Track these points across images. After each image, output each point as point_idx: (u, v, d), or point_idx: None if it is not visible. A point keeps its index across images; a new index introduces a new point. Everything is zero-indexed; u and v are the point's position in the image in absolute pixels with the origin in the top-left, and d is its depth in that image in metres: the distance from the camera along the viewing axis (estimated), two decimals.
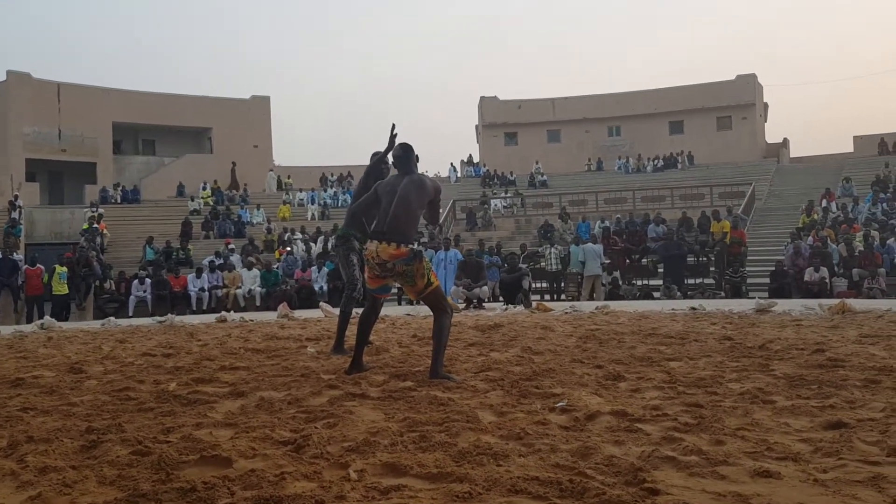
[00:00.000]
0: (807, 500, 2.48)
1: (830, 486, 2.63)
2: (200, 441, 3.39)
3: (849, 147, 36.79)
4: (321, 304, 13.87)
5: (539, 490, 2.62)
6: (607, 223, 22.46)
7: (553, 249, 18.57)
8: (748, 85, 38.75)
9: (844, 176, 27.06)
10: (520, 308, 12.69)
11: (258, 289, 17.84)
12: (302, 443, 3.29)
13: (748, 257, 18.33)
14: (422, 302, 5.58)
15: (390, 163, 6.26)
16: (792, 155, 38.53)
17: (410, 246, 5.15)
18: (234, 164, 34.30)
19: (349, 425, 3.67)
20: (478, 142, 43.30)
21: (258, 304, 17.50)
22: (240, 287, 17.96)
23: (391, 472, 2.89)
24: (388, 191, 5.43)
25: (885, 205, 21.78)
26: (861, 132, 37.23)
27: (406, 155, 5.51)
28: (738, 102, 38.58)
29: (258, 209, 28.32)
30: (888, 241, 17.06)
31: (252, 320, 11.91)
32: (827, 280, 15.61)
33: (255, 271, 18.26)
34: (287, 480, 2.77)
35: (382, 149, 6.69)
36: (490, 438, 3.37)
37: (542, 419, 3.75)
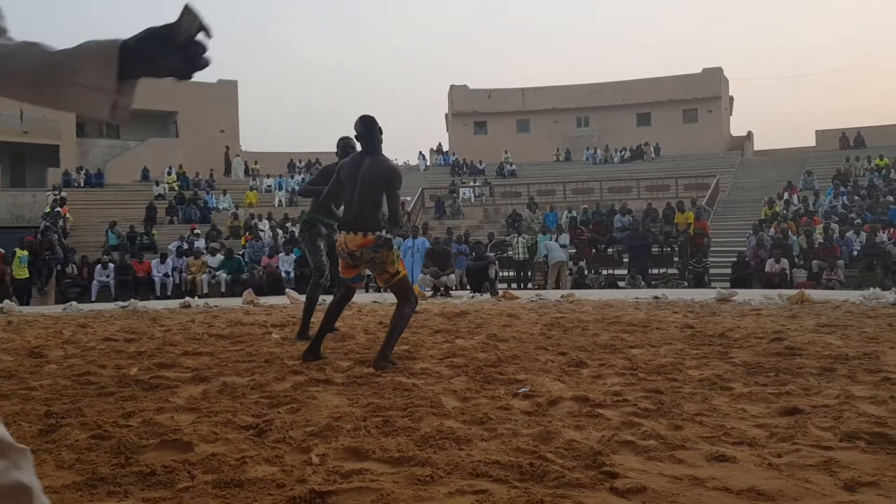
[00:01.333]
0: (761, 483, 2.53)
1: (784, 471, 2.69)
2: (161, 425, 3.37)
3: (811, 141, 37.42)
4: (287, 290, 13.80)
5: (500, 473, 2.64)
6: (574, 213, 22.62)
7: (521, 239, 18.66)
8: (714, 78, 39.17)
9: (806, 169, 27.55)
10: (486, 296, 12.75)
11: (223, 275, 17.68)
12: (264, 427, 3.28)
13: (711, 248, 18.62)
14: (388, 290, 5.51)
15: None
16: (756, 148, 39.09)
17: (378, 233, 5.08)
18: (227, 147, 34.10)
19: (312, 410, 3.67)
20: (447, 130, 43.24)
21: (223, 290, 17.35)
22: (204, 273, 17.79)
23: (353, 457, 2.89)
24: (349, 177, 5.24)
25: (845, 198, 22.22)
26: (823, 127, 37.95)
27: (368, 130, 5.19)
28: (704, 95, 38.97)
29: (224, 195, 28.01)
30: (847, 234, 17.42)
31: (216, 306, 11.81)
32: (787, 271, 15.90)
33: (219, 257, 18.10)
34: (248, 464, 2.76)
35: (348, 134, 6.45)
36: (453, 423, 3.39)
37: (505, 404, 3.78)
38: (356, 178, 5.18)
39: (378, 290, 17.24)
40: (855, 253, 16.59)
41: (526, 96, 41.45)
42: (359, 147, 5.40)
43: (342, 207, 5.49)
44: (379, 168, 5.14)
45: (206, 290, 17.25)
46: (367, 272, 5.62)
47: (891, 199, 21.21)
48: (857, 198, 22.05)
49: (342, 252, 5.21)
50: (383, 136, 5.34)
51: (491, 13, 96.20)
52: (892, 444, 2.97)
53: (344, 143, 6.66)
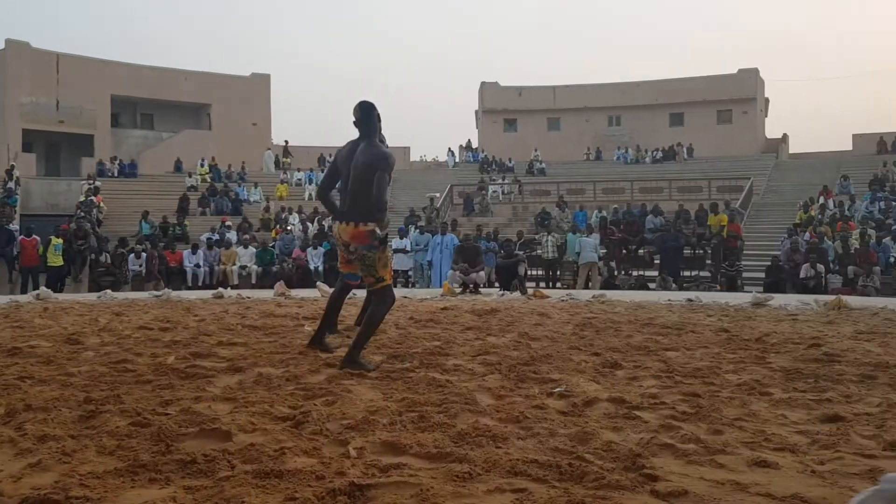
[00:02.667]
0: (804, 490, 2.50)
1: (827, 478, 2.65)
2: (200, 414, 3.40)
3: (847, 145, 36.76)
4: (318, 283, 13.85)
5: (539, 472, 2.63)
6: (604, 213, 22.46)
7: (550, 237, 18.56)
8: (750, 79, 38.65)
9: (842, 174, 27.08)
10: (516, 294, 12.71)
11: (254, 266, 17.83)
12: (301, 419, 3.30)
13: (744, 251, 18.37)
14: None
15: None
16: (791, 151, 38.52)
17: (371, 225, 4.86)
18: (286, 141, 35.06)
19: (348, 403, 3.68)
20: (477, 127, 43.16)
21: (254, 282, 17.49)
22: (235, 264, 17.94)
23: (390, 451, 2.90)
24: (344, 165, 5.08)
25: (882, 203, 21.81)
26: (860, 130, 37.26)
27: (365, 116, 5.05)
28: (739, 96, 38.49)
29: (255, 187, 28.23)
30: (884, 240, 17.10)
31: (249, 297, 11.90)
32: (822, 276, 15.65)
33: (252, 249, 18.25)
34: (287, 455, 2.78)
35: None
36: (489, 421, 3.37)
37: (540, 403, 3.76)
38: (349, 166, 5.03)
39: (412, 285, 17.28)
40: (892, 259, 16.28)
41: (557, 94, 41.24)
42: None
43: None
44: (369, 153, 4.95)
45: (236, 282, 17.40)
46: None
47: None
48: (894, 203, 21.62)
49: (339, 244, 5.11)
50: (381, 124, 5.21)
51: (523, 9, 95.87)
52: None
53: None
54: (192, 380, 4.37)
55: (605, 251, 18.24)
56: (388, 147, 5.29)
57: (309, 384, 4.21)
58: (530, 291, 12.79)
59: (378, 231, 4.87)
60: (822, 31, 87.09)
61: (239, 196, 26.79)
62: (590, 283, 16.77)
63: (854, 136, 36.71)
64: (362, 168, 4.91)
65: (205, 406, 3.60)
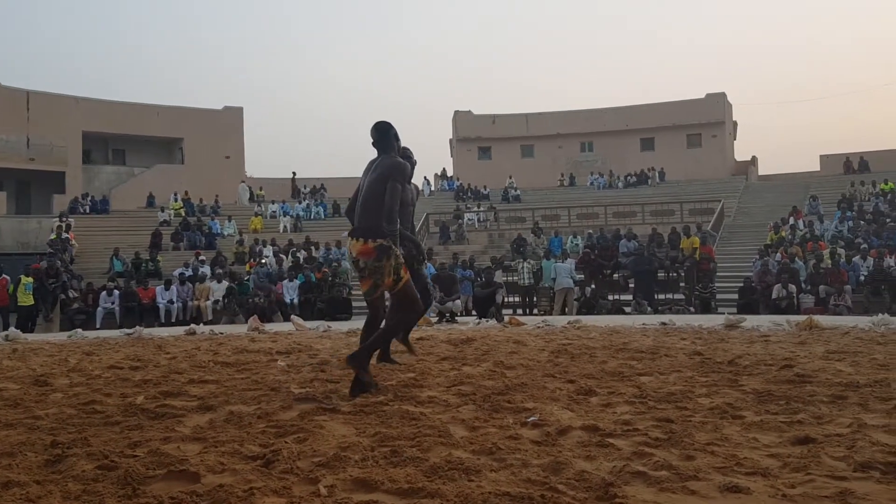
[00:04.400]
0: None
1: (798, 502, 2.65)
2: (168, 455, 3.34)
3: (815, 166, 37.46)
4: (293, 317, 13.77)
5: None
6: (579, 239, 22.61)
7: (525, 264, 18.63)
8: (718, 103, 39.35)
9: (811, 194, 27.54)
10: (492, 322, 12.70)
11: (227, 301, 17.67)
12: (271, 458, 3.25)
13: (717, 273, 18.55)
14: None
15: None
16: (760, 173, 39.14)
17: (379, 241, 4.83)
18: (294, 173, 34.97)
19: (319, 440, 3.64)
20: (452, 156, 43.43)
21: (227, 316, 17.33)
22: (209, 299, 17.78)
23: (362, 488, 2.86)
24: (362, 180, 5.07)
25: (850, 223, 22.19)
26: (827, 151, 38.00)
27: (381, 136, 5.10)
28: (707, 120, 39.16)
29: (229, 221, 28.09)
30: (854, 259, 17.36)
31: (222, 333, 11.78)
32: (794, 296, 15.83)
33: (226, 283, 18.11)
34: (256, 496, 2.73)
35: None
36: (462, 453, 3.35)
37: (513, 434, 3.74)
38: (362, 183, 5.03)
39: None
40: (862, 278, 16.53)
41: (530, 121, 41.68)
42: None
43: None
44: (384, 165, 4.95)
45: (210, 317, 17.23)
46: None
47: None
48: (862, 222, 22.01)
49: (353, 262, 5.05)
50: (400, 143, 5.24)
51: (494, 39, 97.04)
52: None
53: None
54: (161, 420, 4.30)
55: (580, 277, 18.32)
56: (413, 161, 5.30)
57: (281, 421, 4.16)
58: (506, 319, 12.80)
59: (385, 243, 4.83)
60: (787, 55, 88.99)
61: (212, 230, 26.65)
62: (566, 309, 16.82)
63: (821, 156, 37.46)
64: (375, 180, 4.91)
65: (174, 447, 3.54)
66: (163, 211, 28.99)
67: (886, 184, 26.63)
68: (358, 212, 4.97)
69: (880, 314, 11.33)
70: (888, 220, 21.65)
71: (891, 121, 72.10)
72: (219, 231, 27.03)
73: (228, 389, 5.40)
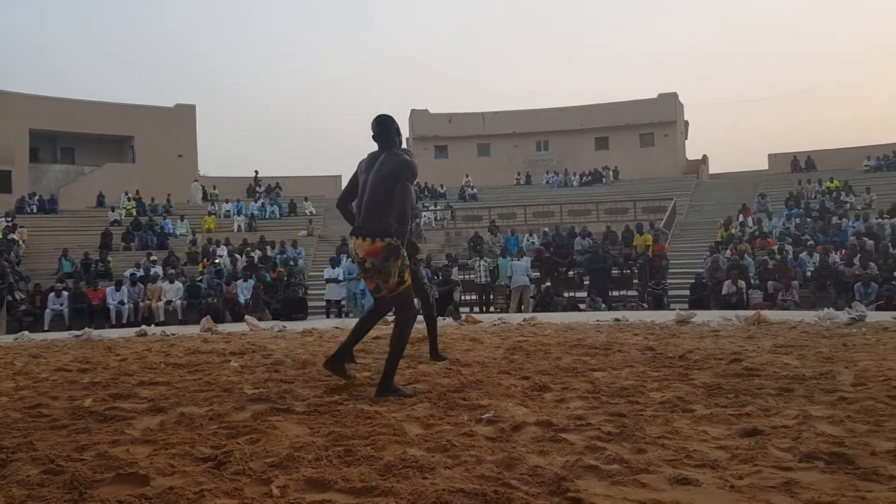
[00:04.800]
0: None
1: (746, 493, 2.71)
2: (116, 459, 3.28)
3: (764, 165, 38.32)
4: (246, 317, 13.61)
5: (464, 502, 2.62)
6: (535, 237, 22.78)
7: (482, 262, 18.70)
8: (669, 103, 39.99)
9: (760, 192, 28.16)
10: (449, 320, 12.72)
11: (180, 301, 17.40)
12: (223, 459, 3.21)
13: (669, 270, 18.86)
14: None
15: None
16: (711, 171, 39.89)
17: (387, 240, 4.70)
18: (256, 171, 34.58)
19: (273, 440, 3.60)
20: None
21: (180, 317, 17.07)
22: (161, 300, 17.48)
23: (315, 488, 2.84)
24: (364, 176, 4.94)
25: (797, 220, 22.75)
26: (775, 151, 38.87)
27: (382, 130, 4.98)
28: (660, 120, 39.77)
29: (182, 220, 27.65)
30: (801, 255, 17.80)
31: (174, 334, 11.59)
32: (744, 292, 16.17)
33: (178, 284, 17.82)
34: (207, 498, 2.70)
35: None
36: (416, 451, 3.35)
37: (468, 431, 3.75)
38: (367, 177, 4.91)
39: (346, 315, 17.12)
40: (808, 274, 16.96)
41: (486, 120, 41.84)
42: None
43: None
44: (392, 162, 4.83)
45: (162, 318, 16.95)
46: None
47: (842, 220, 21.75)
48: (809, 220, 22.58)
49: (356, 260, 4.94)
50: (401, 138, 5.16)
51: (450, 38, 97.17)
52: (850, 464, 3.02)
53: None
54: (110, 423, 4.22)
55: (536, 275, 18.46)
56: (411, 157, 5.19)
57: (233, 422, 4.11)
58: (463, 317, 12.82)
59: (393, 242, 4.73)
60: (736, 56, 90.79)
61: (164, 229, 26.20)
62: (522, 306, 16.93)
63: (770, 155, 38.32)
64: (383, 178, 4.79)
65: (122, 450, 3.48)
66: (113, 210, 28.41)
67: (832, 182, 27.37)
68: (363, 210, 4.83)
69: (826, 309, 11.64)
70: (833, 218, 22.25)
71: (836, 121, 74.16)
72: (171, 231, 26.60)
73: (180, 391, 5.32)
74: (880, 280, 15.16)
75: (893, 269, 15.64)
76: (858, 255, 16.61)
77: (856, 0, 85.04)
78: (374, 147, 5.13)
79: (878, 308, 13.13)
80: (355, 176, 5.15)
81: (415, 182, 5.04)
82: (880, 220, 20.68)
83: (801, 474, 2.91)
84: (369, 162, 5.00)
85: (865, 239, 18.32)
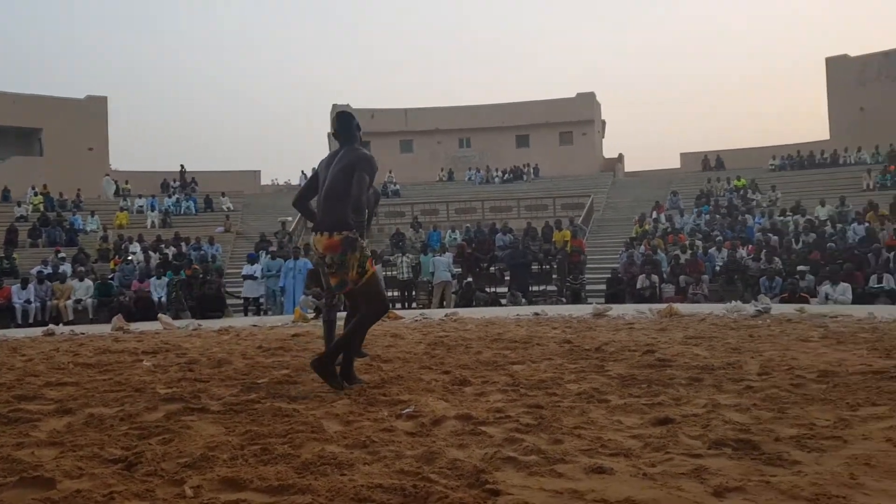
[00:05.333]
0: (636, 493, 2.61)
1: (658, 480, 2.79)
2: (21, 462, 3.13)
3: (676, 163, 39.58)
4: (160, 315, 13.22)
5: (383, 497, 2.61)
6: (457, 233, 22.91)
7: (404, 258, 18.69)
8: (588, 102, 40.82)
9: (672, 189, 29.05)
10: None
11: (90, 300, 16.76)
12: (134, 460, 3.11)
13: (587, 265, 19.27)
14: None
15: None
16: (626, 169, 40.94)
17: (345, 233, 4.64)
18: (182, 165, 33.29)
19: (186, 440, 3.51)
20: (330, 149, 42.88)
21: (91, 316, 16.43)
22: (70, 298, 16.79)
23: (230, 487, 2.78)
24: (323, 172, 4.91)
25: (707, 216, 23.57)
26: (687, 149, 40.21)
27: (343, 126, 4.98)
28: (578, 119, 40.54)
29: (92, 216, 26.61)
30: (710, 250, 18.45)
31: (83, 333, 11.16)
32: (657, 286, 16.66)
33: (88, 282, 17.15)
34: (116, 500, 2.61)
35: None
36: (335, 448, 3.32)
37: (388, 426, 3.74)
38: (324, 177, 4.87)
39: (265, 312, 16.81)
40: (717, 268, 17.58)
41: (409, 116, 41.80)
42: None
43: None
44: (350, 156, 4.81)
45: (71, 317, 16.29)
46: None
47: (748, 217, 22.66)
48: (718, 216, 23.42)
49: (317, 257, 4.86)
50: (361, 133, 5.14)
51: (373, 33, 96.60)
52: (756, 450, 3.15)
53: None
54: (14, 425, 4.03)
55: (458, 271, 18.56)
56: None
57: (145, 422, 3.98)
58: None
59: (350, 235, 4.65)
60: (651, 57, 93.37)
61: (74, 225, 25.18)
62: (444, 302, 17.00)
63: (682, 154, 39.63)
64: (340, 171, 4.75)
65: (27, 453, 3.32)
66: (19, 205, 27.12)
67: (739, 180, 28.47)
68: (321, 205, 4.79)
69: (733, 302, 12.13)
70: (740, 214, 23.14)
71: (744, 121, 77.20)
72: (81, 227, 25.56)
73: (89, 391, 5.12)
74: (784, 274, 15.85)
75: (797, 264, 16.36)
76: (764, 251, 17.31)
77: (764, 7, 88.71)
78: (320, 144, 5.12)
79: (782, 301, 13.74)
80: (315, 174, 5.14)
81: (373, 177, 4.98)
82: (784, 218, 21.64)
83: (710, 461, 3.02)
84: (329, 159, 4.98)
85: (770, 235, 19.11)
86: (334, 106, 42.03)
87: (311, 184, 5.19)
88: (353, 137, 4.99)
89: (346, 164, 4.81)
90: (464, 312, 12.82)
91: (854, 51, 37.78)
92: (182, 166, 34.20)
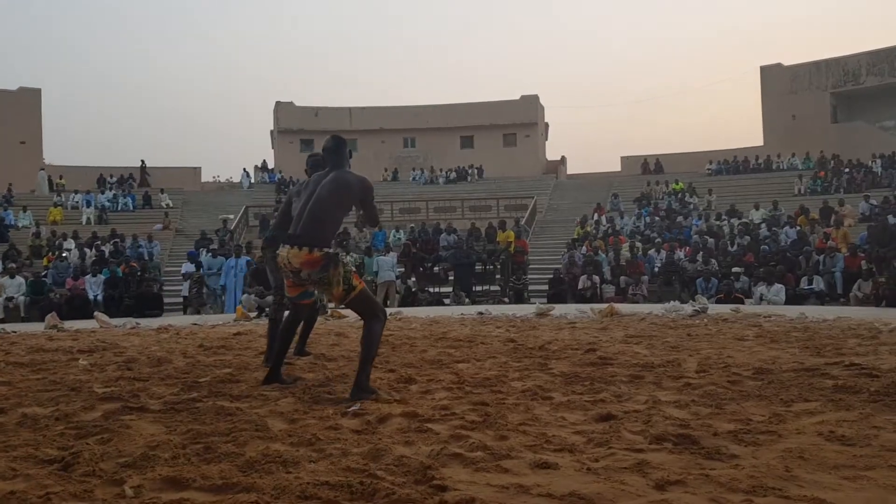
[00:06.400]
0: (581, 487, 2.66)
1: (601, 474, 2.84)
2: None
3: (617, 166, 40.25)
4: (96, 313, 12.87)
5: (329, 494, 2.59)
6: (401, 233, 22.88)
7: (349, 258, 18.57)
8: (531, 105, 41.20)
9: (613, 192, 29.56)
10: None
11: (22, 298, 16.19)
12: (71, 460, 3.02)
13: (530, 265, 19.46)
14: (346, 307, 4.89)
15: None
16: (569, 172, 41.46)
17: (326, 250, 4.53)
18: (143, 161, 32.64)
19: (125, 440, 3.43)
20: (273, 147, 42.40)
21: (23, 314, 15.88)
22: (1, 296, 16.18)
23: (172, 486, 2.73)
24: (307, 190, 4.81)
25: (647, 219, 24.06)
26: (627, 153, 40.92)
27: (336, 147, 4.87)
28: (522, 121, 40.88)
29: (24, 211, 25.70)
30: (649, 252, 18.84)
31: (15, 332, 10.78)
32: (598, 286, 16.93)
33: (20, 279, 16.57)
34: (53, 501, 2.54)
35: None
36: (280, 446, 3.29)
37: (334, 424, 3.73)
38: (313, 191, 4.74)
39: (195, 311, 16.50)
40: (656, 269, 17.96)
41: (353, 115, 41.55)
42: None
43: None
44: (347, 179, 4.71)
45: (2, 315, 15.70)
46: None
47: (687, 219, 23.21)
48: (657, 218, 23.92)
49: (285, 269, 4.68)
50: (351, 161, 5.07)
51: (317, 30, 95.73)
52: (695, 445, 3.23)
53: (313, 161, 6.09)
54: None
55: (401, 270, 18.53)
56: None
57: (82, 422, 3.88)
58: (329, 311, 12.70)
59: (331, 251, 4.54)
60: (593, 62, 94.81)
61: (5, 221, 24.28)
62: (388, 301, 16.96)
63: (622, 158, 40.29)
64: (332, 191, 4.63)
65: None
66: None
67: (677, 184, 29.13)
68: (303, 220, 4.64)
69: (672, 302, 12.42)
70: (678, 217, 23.69)
71: (682, 127, 78.94)
72: (12, 222, 24.67)
73: (22, 391, 4.96)
74: (720, 275, 16.29)
75: (731, 266, 16.83)
76: (701, 252, 17.76)
77: (703, 17, 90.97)
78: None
79: (718, 301, 14.11)
80: (289, 202, 5.23)
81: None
82: (720, 221, 22.22)
83: (652, 455, 3.09)
84: (316, 180, 4.85)
85: (707, 237, 19.61)
86: (278, 103, 41.55)
87: (286, 213, 5.38)
88: (345, 160, 4.92)
89: (346, 191, 4.71)
90: (408, 312, 12.82)
91: (787, 60, 39.08)
92: (143, 161, 33.38)
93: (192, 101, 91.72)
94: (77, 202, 28.08)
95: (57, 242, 21.01)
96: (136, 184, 32.44)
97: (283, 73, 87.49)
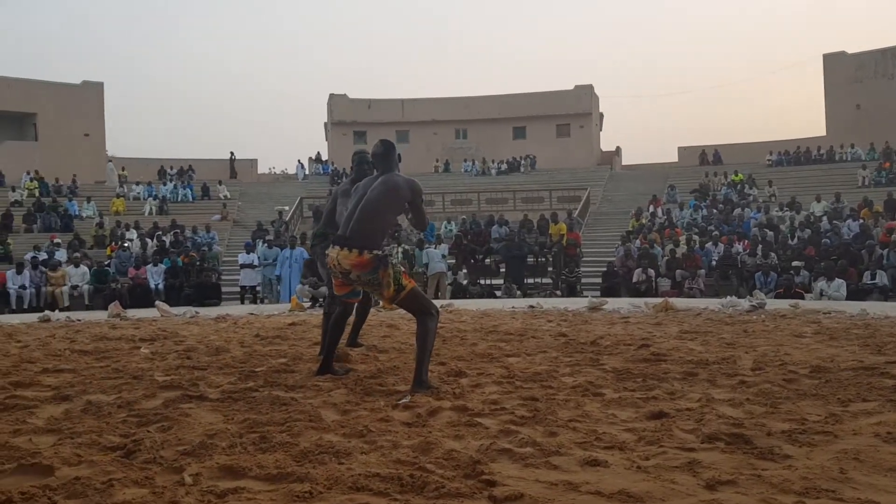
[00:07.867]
0: (630, 486, 2.65)
1: (651, 472, 2.82)
2: (18, 449, 3.16)
3: (674, 157, 39.60)
4: (157, 302, 13.23)
5: (380, 486, 2.64)
6: (453, 224, 22.92)
7: (400, 249, 18.68)
8: (585, 95, 40.77)
9: (669, 183, 29.07)
10: None
11: (86, 286, 16.74)
12: (133, 448, 3.14)
13: (583, 258, 19.30)
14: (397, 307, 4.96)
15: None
16: (623, 163, 40.96)
17: (375, 252, 4.55)
18: (232, 153, 33.97)
19: (185, 428, 3.54)
20: (326, 139, 42.86)
21: (87, 302, 16.42)
22: (66, 284, 16.76)
23: (229, 475, 2.81)
24: (356, 192, 4.88)
25: (704, 211, 23.61)
26: (685, 143, 40.19)
27: (385, 152, 4.87)
28: (575, 111, 40.50)
29: (88, 202, 26.53)
30: (707, 245, 18.49)
31: (79, 320, 11.16)
32: (653, 280, 16.70)
33: (84, 268, 17.13)
34: (115, 487, 2.63)
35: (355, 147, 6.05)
36: (333, 437, 3.35)
37: (385, 416, 3.78)
38: (363, 193, 4.80)
39: (259, 301, 16.82)
40: (713, 263, 17.63)
41: (405, 107, 41.72)
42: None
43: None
44: (396, 182, 4.74)
45: (67, 304, 16.27)
46: None
47: (746, 211, 22.70)
48: (714, 211, 23.46)
49: (334, 270, 4.74)
50: (403, 153, 5.13)
51: (371, 23, 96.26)
52: (748, 444, 3.19)
53: (359, 158, 6.16)
54: (11, 412, 4.05)
55: (452, 261, 18.57)
56: None
57: (143, 410, 4.01)
58: (380, 303, 12.82)
59: (381, 253, 4.59)
60: (650, 52, 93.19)
61: (69, 211, 25.10)
62: (439, 293, 17.03)
63: (679, 148, 39.60)
64: (383, 195, 4.68)
65: (25, 440, 3.35)
66: (14, 190, 27.01)
67: (736, 175, 28.51)
68: (355, 222, 4.68)
69: (728, 297, 12.17)
70: (737, 209, 23.18)
71: (741, 117, 77.19)
72: (77, 213, 25.48)
73: (86, 378, 5.14)
74: (779, 269, 15.89)
75: (791, 260, 16.40)
76: (760, 246, 17.35)
77: (764, 3, 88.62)
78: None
79: (777, 296, 13.78)
80: (333, 202, 5.41)
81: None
82: (780, 213, 21.67)
83: (703, 454, 3.06)
84: (366, 184, 4.90)
85: (766, 230, 19.14)
86: (331, 95, 41.95)
87: (333, 209, 5.65)
88: (394, 165, 4.93)
89: (395, 193, 4.74)
90: (459, 304, 12.85)
91: (852, 48, 37.82)
92: (232, 153, 34.43)
93: (250, 95, 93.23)
94: (139, 193, 28.86)
95: (119, 232, 21.63)
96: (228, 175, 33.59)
97: (338, 66, 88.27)
